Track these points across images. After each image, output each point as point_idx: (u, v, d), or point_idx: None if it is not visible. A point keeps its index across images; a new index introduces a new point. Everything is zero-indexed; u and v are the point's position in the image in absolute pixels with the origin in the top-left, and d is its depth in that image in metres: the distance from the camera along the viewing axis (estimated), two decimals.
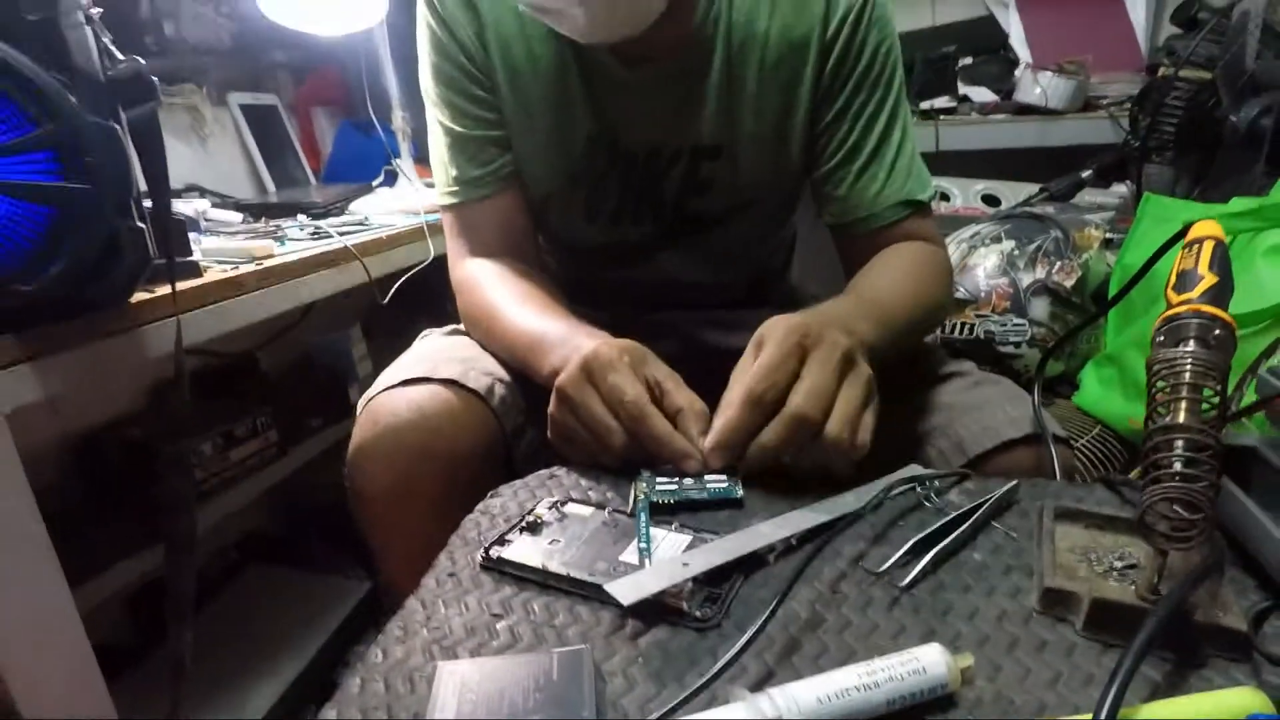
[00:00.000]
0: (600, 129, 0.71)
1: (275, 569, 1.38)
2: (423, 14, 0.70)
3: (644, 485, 0.50)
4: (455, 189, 0.73)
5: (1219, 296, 0.40)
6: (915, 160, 0.72)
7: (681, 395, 0.53)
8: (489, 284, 0.71)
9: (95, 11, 0.57)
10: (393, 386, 0.62)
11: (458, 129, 0.72)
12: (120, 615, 1.14)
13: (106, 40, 0.59)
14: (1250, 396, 0.53)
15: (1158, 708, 0.30)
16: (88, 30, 0.56)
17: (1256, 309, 0.91)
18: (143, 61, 0.60)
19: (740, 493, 0.50)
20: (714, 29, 0.67)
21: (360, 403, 0.65)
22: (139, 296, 0.66)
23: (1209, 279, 0.41)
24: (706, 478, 0.51)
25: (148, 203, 0.64)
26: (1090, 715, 0.29)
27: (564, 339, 0.60)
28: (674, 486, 0.50)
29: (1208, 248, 0.42)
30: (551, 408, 0.55)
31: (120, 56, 0.59)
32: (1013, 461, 0.58)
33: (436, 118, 0.73)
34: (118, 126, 0.58)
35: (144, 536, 0.94)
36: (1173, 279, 0.42)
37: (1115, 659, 0.35)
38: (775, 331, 0.52)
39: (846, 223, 0.73)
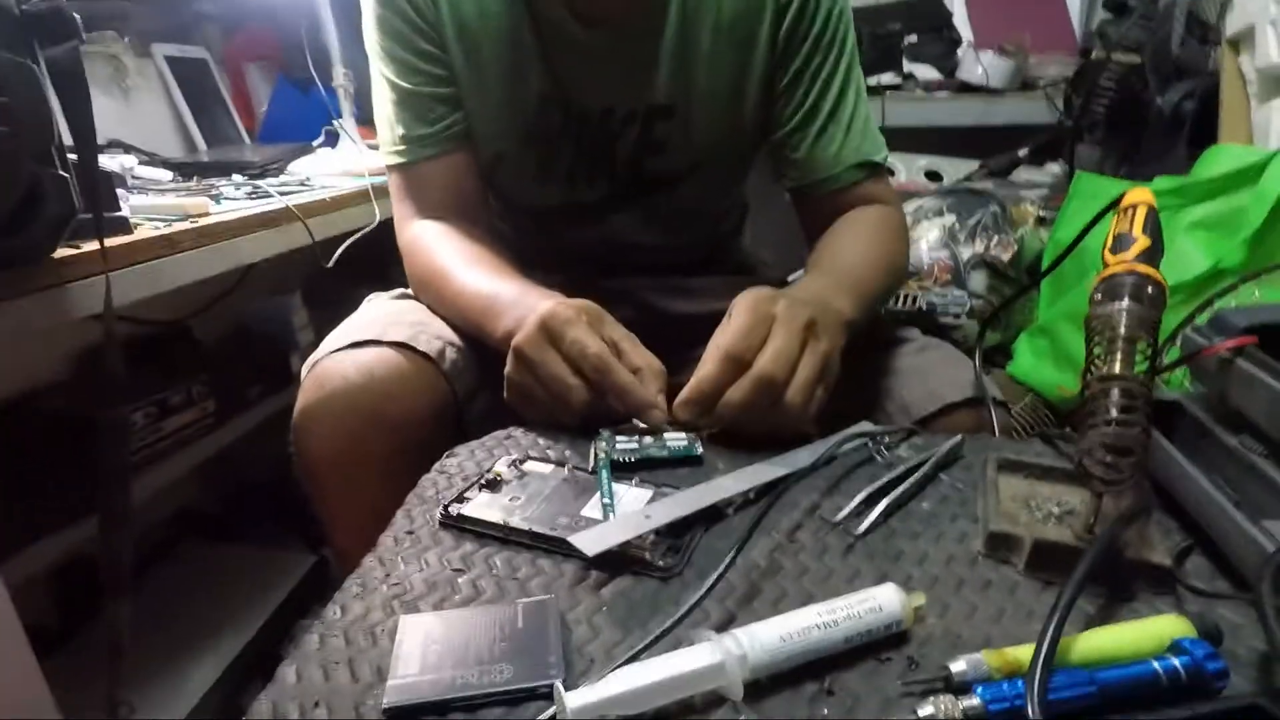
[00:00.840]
0: (553, 88, 0.70)
1: (212, 545, 1.33)
2: None
3: (604, 444, 0.51)
4: (402, 148, 0.71)
5: (1152, 257, 0.42)
6: (870, 122, 0.74)
7: (639, 355, 0.53)
8: (438, 246, 0.69)
9: None
10: (340, 349, 0.61)
11: (404, 85, 0.69)
12: (45, 594, 1.08)
13: None
14: (1173, 357, 0.57)
15: (1092, 635, 0.32)
16: None
17: (1177, 281, 0.96)
18: None
19: (700, 450, 0.51)
20: None
21: (305, 366, 0.63)
22: (63, 252, 0.62)
23: (1142, 241, 0.43)
24: (666, 436, 0.52)
25: (72, 155, 0.60)
26: (1032, 645, 0.31)
27: (516, 300, 0.59)
28: (634, 445, 0.51)
29: (1141, 212, 0.45)
30: (509, 369, 0.54)
31: None
32: (955, 423, 0.60)
33: (381, 72, 0.70)
34: (35, 66, 0.54)
35: (69, 511, 0.89)
36: (1109, 241, 0.45)
37: (1054, 595, 0.37)
38: (748, 299, 0.52)
39: (806, 184, 0.74)
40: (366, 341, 0.61)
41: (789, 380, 0.49)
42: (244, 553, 1.31)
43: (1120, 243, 0.43)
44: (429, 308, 0.69)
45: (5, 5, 0.53)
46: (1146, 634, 0.32)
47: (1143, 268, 0.41)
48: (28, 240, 0.56)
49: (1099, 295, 0.42)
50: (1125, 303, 0.40)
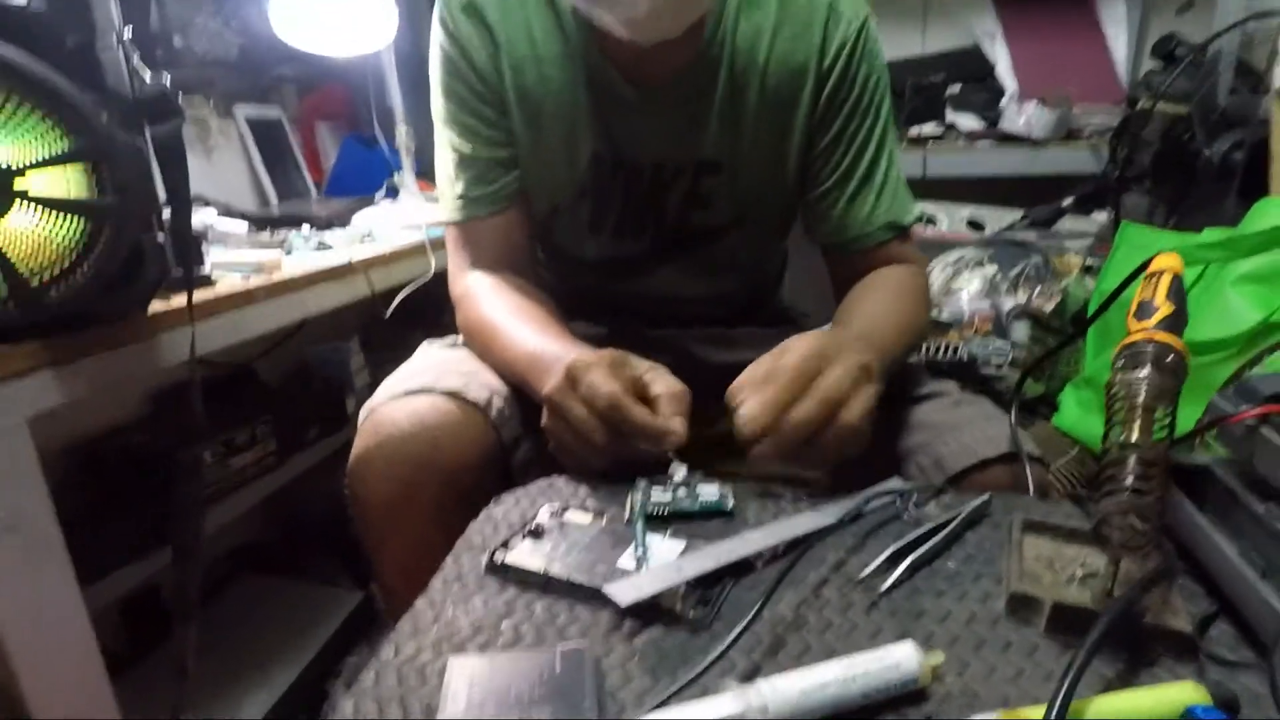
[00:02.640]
0: (606, 146, 0.75)
1: (267, 579, 1.39)
2: (437, 37, 0.74)
3: (639, 496, 0.53)
4: (460, 205, 0.76)
5: (1174, 325, 0.44)
6: (901, 185, 0.77)
7: (660, 382, 0.56)
8: (488, 300, 0.74)
9: (127, 35, 0.60)
10: (395, 397, 0.65)
11: (466, 149, 0.75)
12: (114, 621, 1.15)
13: (135, 60, 0.62)
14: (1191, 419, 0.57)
15: (1106, 700, 0.33)
16: (119, 52, 0.59)
17: (1225, 335, 0.95)
18: (168, 82, 0.63)
19: (731, 505, 0.53)
20: (719, 52, 0.71)
21: (362, 411, 0.67)
22: (155, 306, 0.69)
23: (1165, 308, 0.44)
24: (698, 489, 0.54)
25: (167, 215, 0.67)
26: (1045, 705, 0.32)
27: (559, 357, 0.62)
28: (668, 498, 0.53)
29: (1165, 280, 0.46)
30: (544, 419, 0.58)
31: (148, 76, 0.62)
32: (989, 479, 0.61)
33: (445, 136, 0.76)
34: (144, 143, 0.61)
35: (141, 544, 0.95)
36: (1133, 308, 0.46)
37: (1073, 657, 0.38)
38: (799, 342, 0.55)
39: (837, 242, 0.77)
40: (420, 390, 0.64)
41: (846, 404, 0.51)
42: (296, 587, 1.36)
43: (1143, 310, 0.45)
44: (479, 358, 0.74)
45: (121, 90, 0.60)
46: (1161, 700, 0.33)
47: (1163, 336, 0.43)
48: (129, 298, 0.63)
49: (1120, 362, 0.43)
50: (1145, 371, 0.41)
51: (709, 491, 0.54)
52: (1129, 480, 0.38)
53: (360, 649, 1.29)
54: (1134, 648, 0.37)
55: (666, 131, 0.74)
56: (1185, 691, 0.33)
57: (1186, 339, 1.04)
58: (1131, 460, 0.39)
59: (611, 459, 0.55)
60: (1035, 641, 0.39)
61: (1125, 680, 0.36)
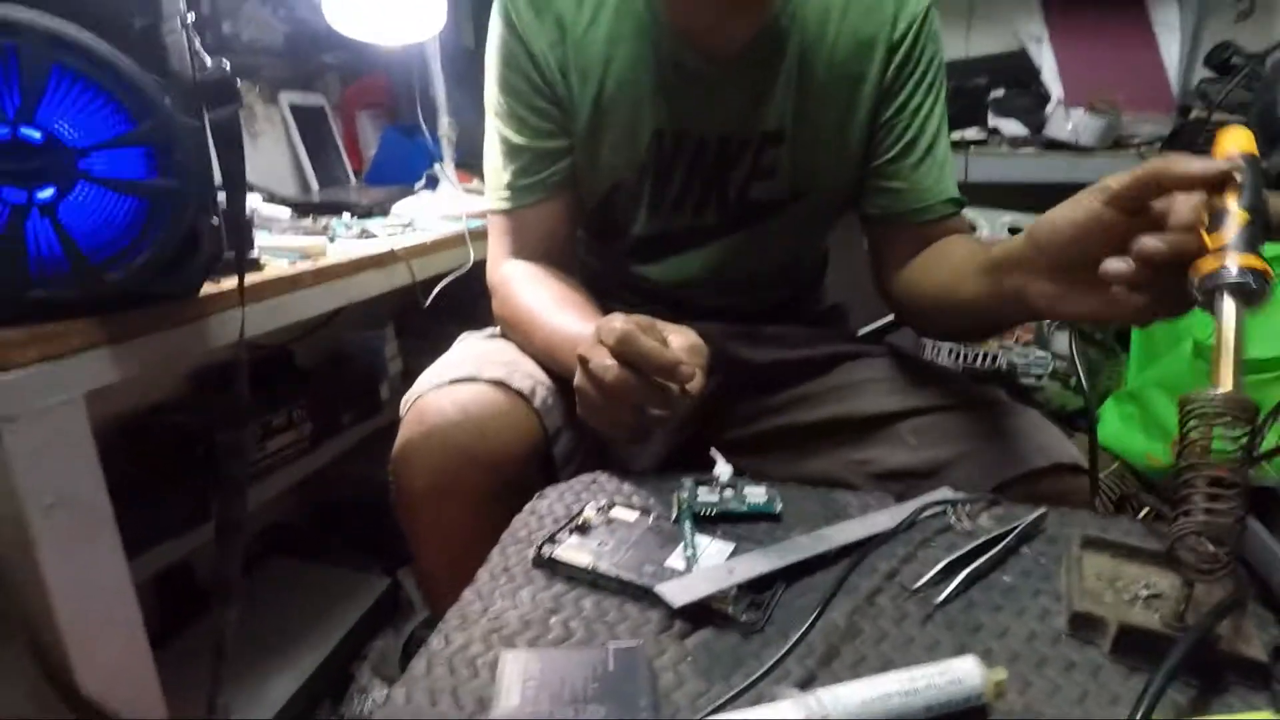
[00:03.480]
0: (670, 122, 0.74)
1: (296, 561, 1.40)
2: (497, 26, 0.74)
3: (686, 495, 0.53)
4: (507, 194, 0.77)
5: (1253, 238, 0.39)
6: (952, 163, 0.77)
7: (680, 336, 0.55)
8: (527, 289, 0.74)
9: (190, 19, 0.61)
10: (439, 386, 0.65)
11: (517, 139, 0.75)
12: (148, 598, 1.16)
13: (197, 45, 0.62)
14: (1272, 439, 0.55)
15: None
16: (183, 36, 0.60)
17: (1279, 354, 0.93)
18: (228, 66, 0.63)
19: (779, 508, 0.52)
20: (788, 24, 0.72)
21: (405, 401, 0.67)
22: (207, 288, 0.70)
23: (1240, 217, 0.39)
24: (745, 491, 0.54)
25: (221, 198, 0.67)
26: None
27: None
28: (715, 499, 0.53)
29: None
30: (575, 378, 0.56)
31: (209, 60, 0.63)
32: (1039, 489, 0.60)
33: (496, 126, 0.77)
34: (203, 126, 0.62)
35: (179, 522, 0.97)
36: (1205, 218, 0.41)
37: (1140, 681, 0.37)
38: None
39: (898, 213, 0.76)
40: (464, 379, 0.65)
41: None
42: (325, 570, 1.38)
43: (1216, 220, 0.40)
44: (518, 346, 0.74)
45: (184, 74, 0.61)
46: None
47: (1245, 259, 0.38)
48: (184, 278, 0.64)
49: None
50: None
51: (756, 493, 0.53)
52: (1205, 501, 0.37)
53: (386, 633, 1.30)
54: (1206, 675, 0.36)
55: (734, 103, 0.74)
56: None
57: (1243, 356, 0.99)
58: (1209, 480, 0.37)
59: (635, 416, 0.53)
60: (1099, 662, 0.38)
61: (1197, 708, 0.35)
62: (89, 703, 0.63)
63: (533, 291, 0.73)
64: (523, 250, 0.77)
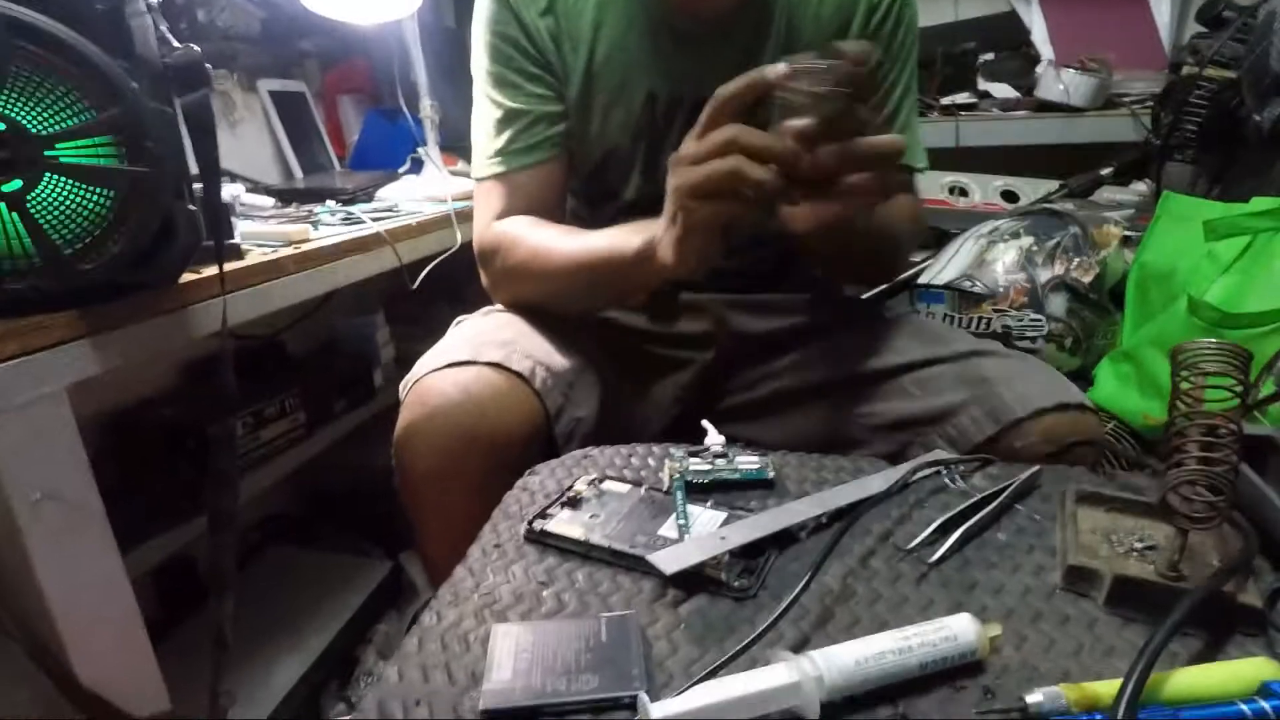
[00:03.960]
0: (663, 84, 0.74)
1: (296, 549, 1.40)
2: None
3: (678, 465, 0.52)
4: (500, 158, 0.76)
5: None
6: (917, 133, 0.79)
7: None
8: (531, 232, 0.73)
9: (156, 1, 0.59)
10: (438, 369, 0.64)
11: (511, 104, 0.74)
12: (148, 590, 1.17)
13: (163, 28, 0.61)
14: (1268, 389, 0.55)
15: (1178, 675, 0.32)
16: (148, 19, 0.58)
17: (1275, 307, 0.92)
18: (197, 49, 0.62)
19: (771, 474, 0.52)
20: None
21: (405, 384, 0.67)
22: (187, 277, 0.69)
23: None
24: (738, 460, 0.53)
25: (197, 186, 0.66)
26: (1115, 681, 0.31)
27: (638, 227, 0.62)
28: (708, 466, 0.52)
29: None
30: (673, 180, 0.55)
31: (176, 44, 0.61)
32: (1044, 427, 0.60)
33: (487, 93, 0.76)
34: (174, 111, 0.61)
35: (174, 514, 0.96)
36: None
37: (1136, 632, 0.37)
38: None
39: None
40: (463, 362, 0.64)
41: None
42: (325, 558, 1.38)
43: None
44: (528, 292, 0.74)
45: (151, 58, 0.59)
46: (1235, 675, 0.32)
47: None
48: (161, 268, 0.63)
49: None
50: (1228, 332, 0.39)
51: (749, 461, 0.53)
52: (1199, 450, 0.37)
53: (390, 617, 1.30)
54: (1203, 623, 0.36)
55: (726, 65, 0.72)
56: (1260, 666, 0.32)
57: (1235, 310, 1.00)
58: (1202, 430, 0.37)
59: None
60: (1094, 615, 0.38)
61: (1193, 655, 0.35)
62: (90, 695, 0.63)
63: (536, 233, 0.73)
64: (514, 210, 0.77)
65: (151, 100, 0.57)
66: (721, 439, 0.56)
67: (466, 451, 0.60)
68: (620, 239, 0.63)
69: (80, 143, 0.56)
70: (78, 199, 0.56)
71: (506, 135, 0.75)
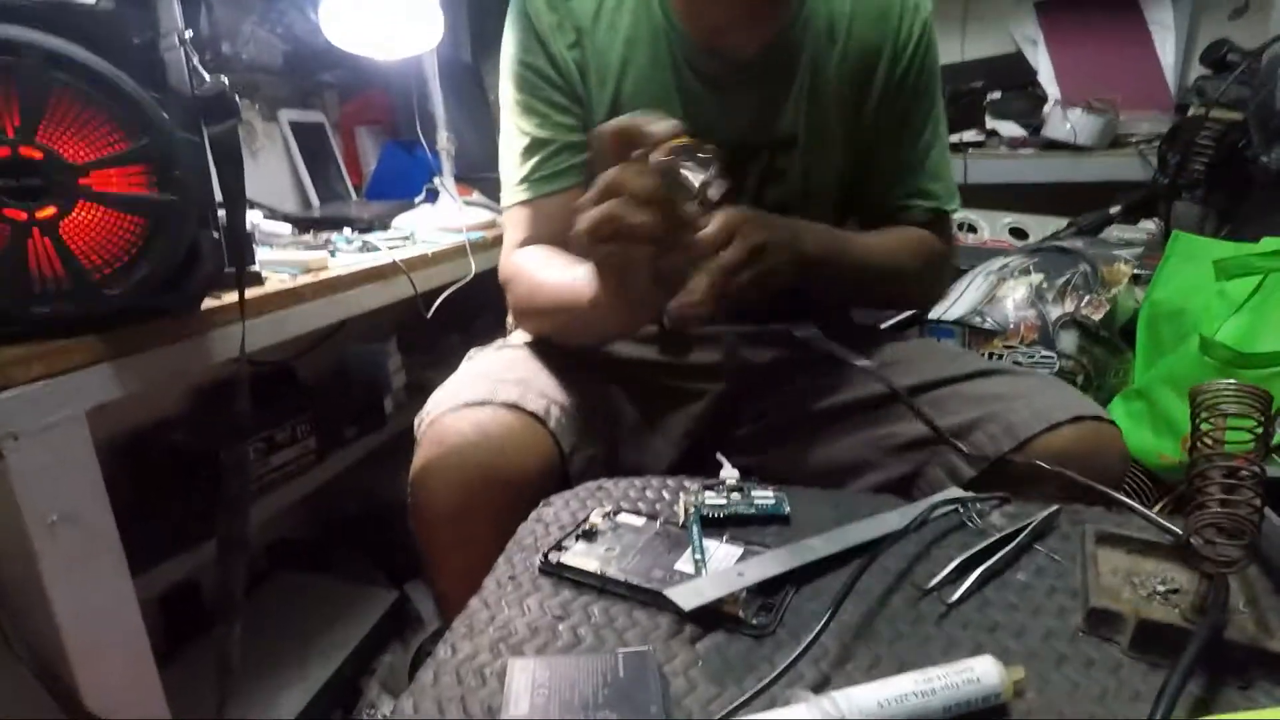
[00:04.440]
0: (688, 125, 0.74)
1: (303, 576, 1.40)
2: (514, 26, 0.75)
3: (694, 499, 0.52)
4: (524, 186, 0.77)
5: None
6: (948, 172, 0.80)
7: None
8: (536, 266, 0.74)
9: (188, 35, 0.61)
10: (455, 409, 0.63)
11: (537, 133, 0.76)
12: (154, 615, 1.16)
13: (195, 61, 0.62)
14: None
15: None
16: (180, 52, 0.60)
17: None
18: (226, 81, 0.63)
19: (788, 509, 0.52)
20: (801, 34, 0.73)
21: (420, 421, 0.66)
22: (208, 303, 0.70)
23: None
24: (754, 494, 0.53)
25: (221, 213, 0.67)
26: None
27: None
28: (723, 501, 0.52)
29: None
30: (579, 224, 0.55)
31: (207, 76, 0.63)
32: (1062, 440, 0.59)
33: (514, 123, 0.77)
34: (202, 141, 0.62)
35: (184, 539, 0.96)
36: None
37: (1161, 678, 0.36)
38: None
39: (879, 212, 0.80)
40: (478, 402, 0.63)
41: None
42: (332, 585, 1.37)
43: None
44: (533, 328, 0.75)
45: (182, 90, 0.61)
46: None
47: None
48: (184, 293, 0.63)
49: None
50: (1242, 371, 0.39)
51: (764, 495, 0.53)
52: (1222, 493, 0.36)
53: (394, 647, 1.29)
54: (1229, 670, 0.35)
55: (749, 110, 0.75)
56: None
57: (1248, 350, 1.00)
58: (1224, 471, 0.37)
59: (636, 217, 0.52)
60: (1119, 660, 0.38)
61: (1220, 704, 0.34)
62: (94, 719, 0.62)
63: (547, 266, 0.73)
64: (537, 238, 0.78)
65: (182, 131, 0.59)
66: (736, 472, 0.56)
67: (483, 491, 0.59)
68: (582, 285, 0.63)
69: (113, 171, 0.57)
70: (108, 226, 0.57)
71: (532, 163, 0.76)
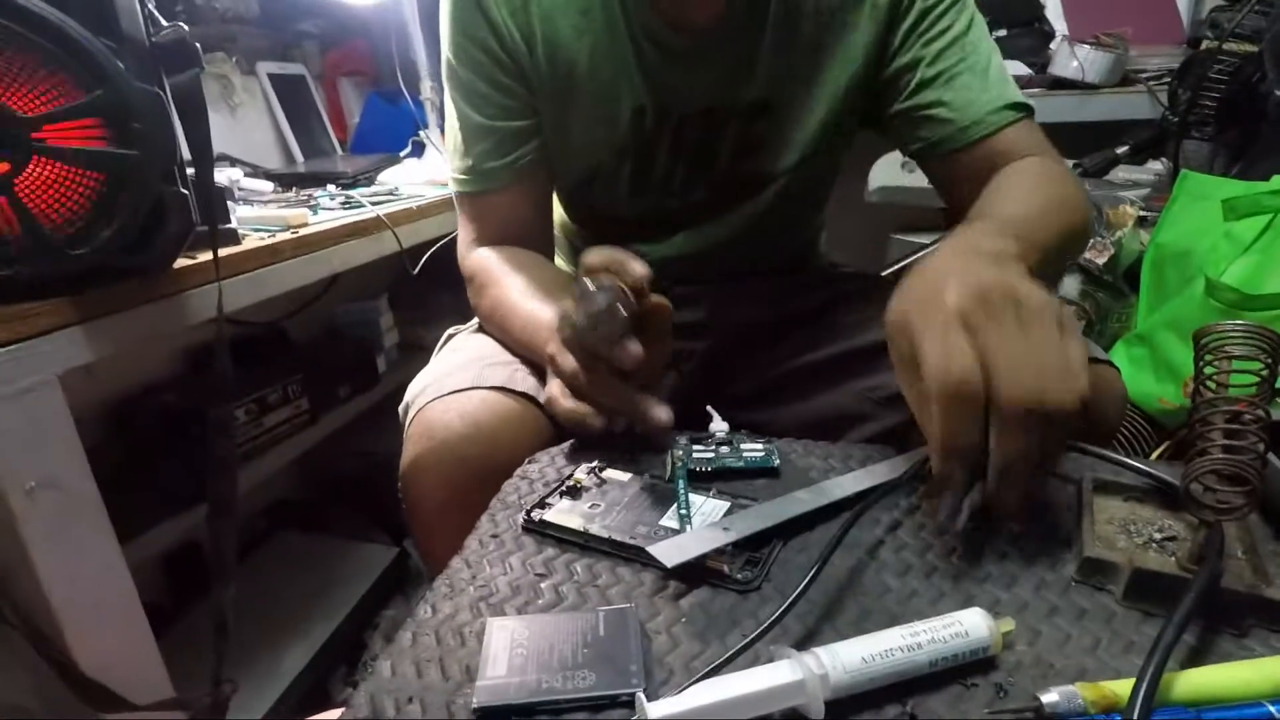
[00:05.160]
0: (650, 99, 0.70)
1: (303, 536, 1.41)
2: None
3: (680, 452, 0.51)
4: (468, 179, 0.72)
5: None
6: (1005, 70, 0.66)
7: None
8: (498, 278, 0.70)
9: None
10: (441, 396, 0.61)
11: (477, 118, 0.70)
12: (158, 576, 1.17)
13: (150, 6, 0.59)
14: None
15: (1199, 673, 0.31)
16: None
17: None
18: (186, 28, 0.60)
19: (777, 462, 0.51)
20: None
21: (406, 409, 0.65)
22: (181, 262, 0.68)
23: None
24: (743, 446, 0.52)
25: (190, 170, 0.65)
26: (1131, 680, 0.30)
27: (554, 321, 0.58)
28: (711, 454, 0.51)
29: None
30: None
31: (164, 23, 0.60)
32: None
33: (457, 101, 0.71)
34: (162, 93, 0.59)
35: (179, 500, 0.96)
36: None
37: (1155, 627, 0.35)
38: (913, 313, 0.42)
39: (945, 139, 0.66)
40: (466, 388, 0.61)
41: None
42: (332, 543, 1.38)
43: None
44: (497, 339, 0.70)
45: (137, 37, 0.58)
46: (1261, 674, 0.30)
47: None
48: (154, 253, 0.62)
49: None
50: (1247, 314, 0.38)
51: (754, 449, 0.52)
52: (1223, 438, 0.35)
53: (397, 602, 1.31)
54: (1225, 619, 0.34)
55: (716, 74, 0.69)
56: None
57: (1254, 291, 0.97)
58: (1227, 416, 0.35)
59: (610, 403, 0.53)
60: (1112, 609, 0.37)
61: (1216, 653, 0.34)
62: (90, 683, 0.63)
63: (505, 281, 0.69)
64: (491, 236, 0.74)
65: (139, 81, 0.56)
66: (725, 425, 0.55)
67: (480, 484, 0.56)
68: (541, 333, 0.60)
69: (68, 125, 0.54)
70: (66, 183, 0.55)
71: (475, 153, 0.71)
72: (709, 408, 0.56)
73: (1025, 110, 0.65)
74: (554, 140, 0.72)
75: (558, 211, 0.84)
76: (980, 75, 0.64)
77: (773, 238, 0.81)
